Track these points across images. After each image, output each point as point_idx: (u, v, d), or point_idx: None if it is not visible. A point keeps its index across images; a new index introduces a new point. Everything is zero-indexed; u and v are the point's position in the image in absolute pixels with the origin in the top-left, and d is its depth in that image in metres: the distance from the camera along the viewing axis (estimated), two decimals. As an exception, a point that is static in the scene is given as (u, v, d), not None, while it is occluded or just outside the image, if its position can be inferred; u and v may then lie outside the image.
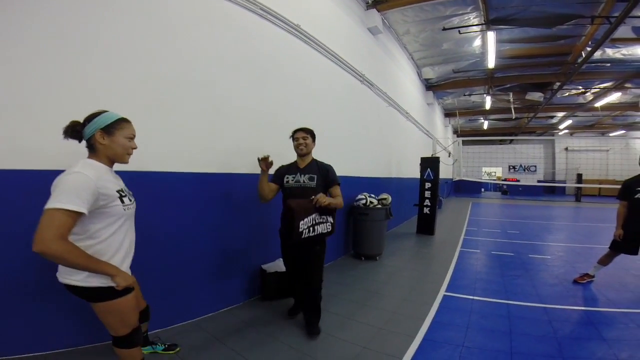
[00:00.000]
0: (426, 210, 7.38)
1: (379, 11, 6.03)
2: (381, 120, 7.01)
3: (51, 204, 1.34)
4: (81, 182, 1.40)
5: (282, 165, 2.91)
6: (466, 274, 4.36)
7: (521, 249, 5.89)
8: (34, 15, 1.98)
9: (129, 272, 1.67)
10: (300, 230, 2.44)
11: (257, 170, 2.78)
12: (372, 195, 5.18)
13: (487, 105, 13.37)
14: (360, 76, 5.68)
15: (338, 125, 5.11)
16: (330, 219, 2.65)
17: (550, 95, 11.09)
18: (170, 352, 2.34)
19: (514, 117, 14.88)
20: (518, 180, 21.91)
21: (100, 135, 1.55)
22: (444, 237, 7.02)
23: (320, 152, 4.42)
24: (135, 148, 1.68)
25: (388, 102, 7.19)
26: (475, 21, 6.76)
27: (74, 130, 1.55)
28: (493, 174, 24.79)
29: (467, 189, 22.56)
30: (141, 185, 2.23)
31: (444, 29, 7.05)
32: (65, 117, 1.59)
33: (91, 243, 1.50)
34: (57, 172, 1.46)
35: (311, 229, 2.50)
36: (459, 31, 7.07)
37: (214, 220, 3.02)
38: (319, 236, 2.58)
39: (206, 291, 2.98)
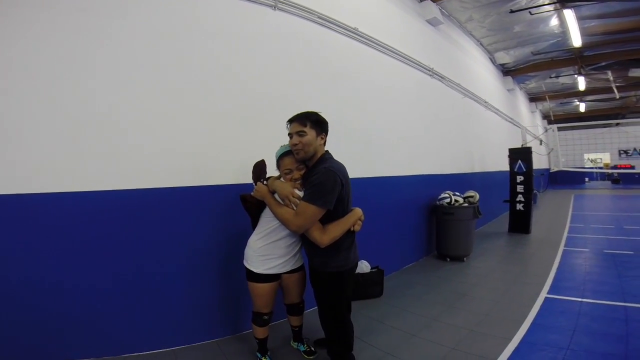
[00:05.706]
0: (519, 206, 6.72)
1: (433, 1, 5.69)
2: (458, 113, 6.62)
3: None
4: None
5: None
6: (572, 275, 3.85)
7: (644, 245, 4.95)
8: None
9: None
10: None
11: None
12: (457, 194, 4.88)
13: (581, 86, 11.73)
14: (429, 70, 5.46)
15: (411, 123, 4.98)
16: None
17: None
18: (309, 356, 2.34)
19: (617, 97, 12.76)
20: (633, 167, 17.89)
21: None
22: (542, 235, 6.27)
23: (392, 151, 4.43)
24: (294, 178, 2.00)
25: (463, 93, 6.77)
26: (546, 0, 6.03)
27: None
28: (599, 160, 20.83)
29: (567, 179, 19.14)
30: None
31: (512, 12, 6.40)
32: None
33: None
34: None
35: None
36: (530, 12, 6.37)
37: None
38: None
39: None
